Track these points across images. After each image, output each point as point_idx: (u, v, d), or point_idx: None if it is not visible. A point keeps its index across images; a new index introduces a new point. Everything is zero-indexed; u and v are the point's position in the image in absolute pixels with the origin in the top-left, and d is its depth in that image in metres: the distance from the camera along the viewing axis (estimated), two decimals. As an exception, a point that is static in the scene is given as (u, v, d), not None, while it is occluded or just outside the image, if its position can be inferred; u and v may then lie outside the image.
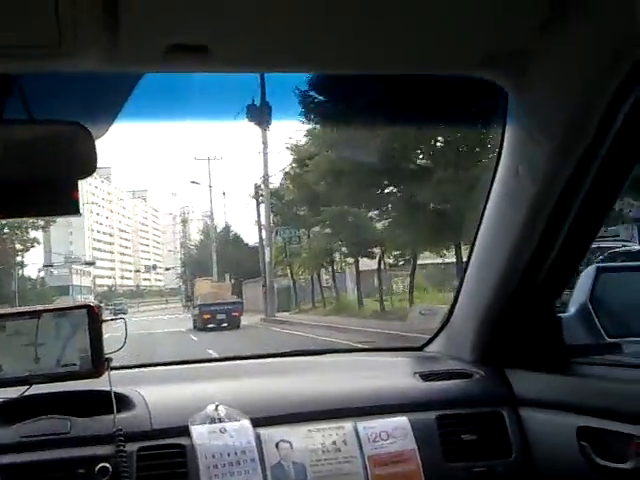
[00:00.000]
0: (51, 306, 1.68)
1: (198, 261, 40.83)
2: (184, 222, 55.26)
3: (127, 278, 70.21)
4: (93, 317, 1.61)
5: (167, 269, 62.11)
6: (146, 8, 1.09)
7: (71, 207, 1.32)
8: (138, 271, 68.93)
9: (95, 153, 1.30)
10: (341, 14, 1.17)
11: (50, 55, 1.18)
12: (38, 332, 1.60)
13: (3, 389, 1.62)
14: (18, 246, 27.51)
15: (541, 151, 1.48)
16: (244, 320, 20.65)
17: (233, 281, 27.63)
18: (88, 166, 1.29)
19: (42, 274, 45.39)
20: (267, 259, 23.41)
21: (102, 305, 1.70)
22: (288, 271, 24.53)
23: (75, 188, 1.32)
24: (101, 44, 1.15)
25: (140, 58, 1.26)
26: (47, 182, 1.29)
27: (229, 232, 37.21)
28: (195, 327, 20.13)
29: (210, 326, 19.23)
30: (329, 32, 1.23)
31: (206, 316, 19.61)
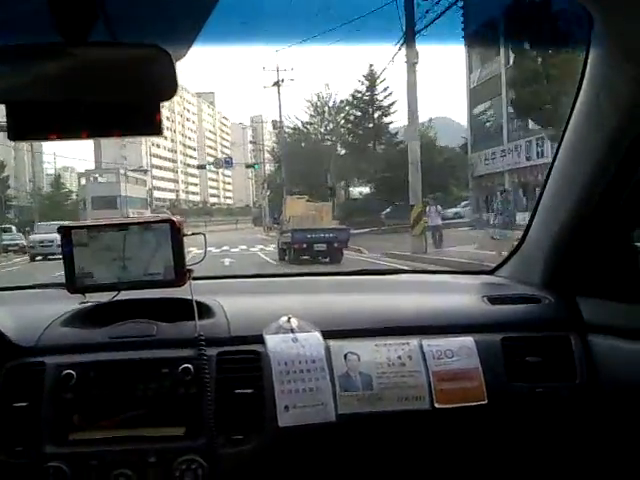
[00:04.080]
0: (137, 219, 2.04)
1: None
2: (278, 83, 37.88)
3: (193, 193, 70.83)
4: (175, 231, 1.97)
5: (249, 166, 53.27)
6: None
7: (154, 128, 1.56)
8: (202, 167, 60.80)
9: (175, 76, 1.51)
10: None
11: None
12: (125, 243, 1.96)
13: (94, 294, 2.02)
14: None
15: (623, 78, 1.65)
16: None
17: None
18: (169, 88, 1.51)
19: (83, 181, 41.15)
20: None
21: None
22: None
23: (157, 109, 1.55)
24: None
25: None
26: (130, 103, 1.52)
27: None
28: (282, 258, 18.75)
29: (304, 258, 17.69)
30: None
31: (300, 245, 17.84)
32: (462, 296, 2.22)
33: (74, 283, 1.99)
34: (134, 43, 1.53)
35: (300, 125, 37.56)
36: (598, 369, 1.92)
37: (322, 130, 35.91)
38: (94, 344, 1.89)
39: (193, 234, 2.16)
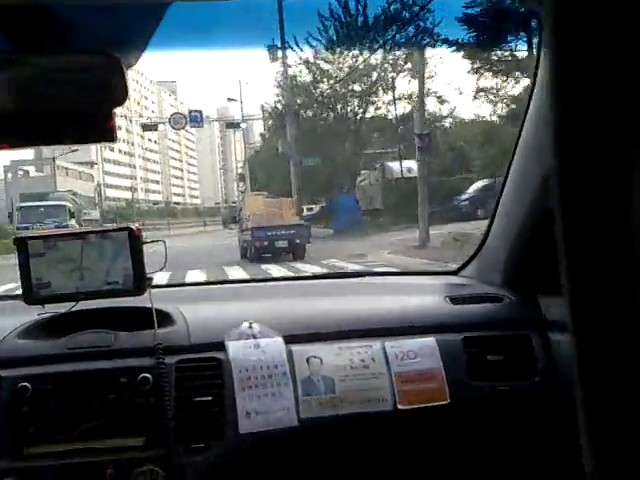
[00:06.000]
0: (94, 228, 2.17)
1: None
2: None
3: (154, 191, 70.06)
4: (134, 239, 2.11)
5: (230, 125, 38.10)
6: None
7: (107, 134, 1.69)
8: (152, 127, 43.99)
9: (125, 82, 1.63)
10: None
11: None
12: (83, 252, 2.09)
13: (52, 305, 2.14)
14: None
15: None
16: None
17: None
18: (119, 95, 1.63)
19: (9, 176, 36.23)
20: None
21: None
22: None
23: (110, 116, 1.68)
24: None
25: None
26: (81, 110, 1.65)
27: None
28: (244, 256, 19.22)
29: (265, 255, 18.16)
30: None
31: (261, 243, 18.46)
32: (425, 297, 2.41)
33: (31, 294, 2.12)
34: (83, 50, 1.67)
35: (312, 58, 23.57)
36: (558, 366, 2.09)
37: (350, 63, 22.89)
38: (51, 356, 2.01)
39: (153, 241, 2.32)
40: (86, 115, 1.66)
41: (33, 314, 2.18)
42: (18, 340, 2.09)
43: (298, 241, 18.86)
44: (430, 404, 2.06)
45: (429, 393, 2.08)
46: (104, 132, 1.70)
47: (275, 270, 13.71)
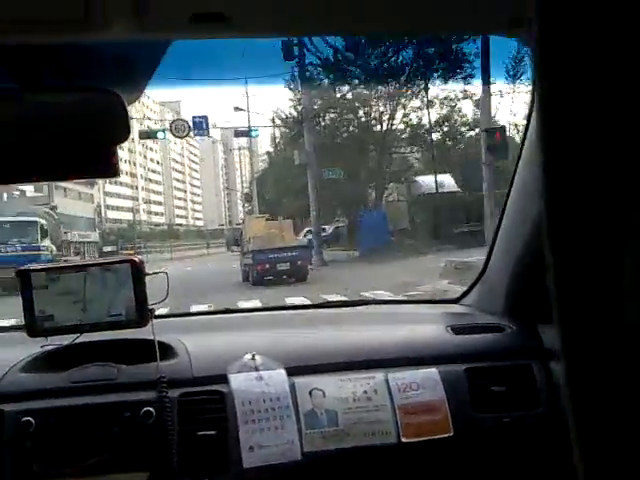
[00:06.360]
0: (97, 260, 2.33)
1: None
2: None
3: (156, 213, 70.03)
4: (136, 270, 2.14)
5: (240, 134, 34.91)
6: None
7: (110, 170, 1.74)
8: (150, 135, 36.38)
9: (127, 119, 1.68)
10: None
11: (80, 28, 1.52)
12: (86, 285, 2.12)
13: (55, 337, 2.16)
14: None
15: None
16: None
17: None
18: (122, 131, 1.69)
19: (5, 195, 33.84)
20: None
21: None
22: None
23: (112, 152, 1.72)
24: (127, 15, 1.49)
25: (165, 27, 1.61)
26: (85, 146, 1.69)
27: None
28: (246, 280, 19.64)
29: (267, 278, 18.63)
30: None
31: (262, 266, 18.91)
32: (427, 327, 2.44)
33: (34, 326, 2.14)
34: (87, 87, 1.71)
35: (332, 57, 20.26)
36: (560, 396, 2.11)
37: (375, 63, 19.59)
38: (54, 389, 2.03)
39: (155, 273, 2.34)
40: (88, 151, 1.70)
41: (36, 346, 2.20)
42: (21, 374, 2.10)
43: (300, 263, 19.21)
44: (434, 437, 2.08)
45: (433, 426, 2.10)
46: (107, 168, 1.73)
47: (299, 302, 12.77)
